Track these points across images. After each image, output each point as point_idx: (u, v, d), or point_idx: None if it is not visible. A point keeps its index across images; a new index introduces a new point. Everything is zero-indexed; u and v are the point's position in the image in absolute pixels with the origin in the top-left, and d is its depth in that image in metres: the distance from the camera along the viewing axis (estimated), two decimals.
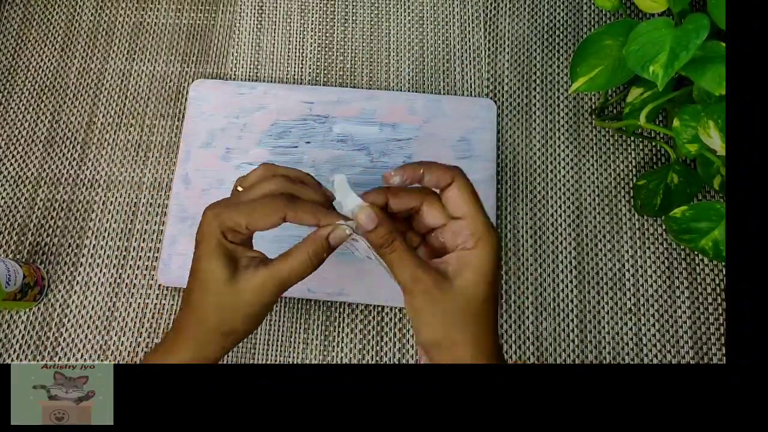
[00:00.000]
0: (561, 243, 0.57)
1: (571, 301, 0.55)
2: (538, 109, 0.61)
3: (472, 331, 0.33)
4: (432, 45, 0.64)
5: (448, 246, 0.35)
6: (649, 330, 0.55)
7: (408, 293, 0.33)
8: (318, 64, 0.63)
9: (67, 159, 0.60)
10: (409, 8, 0.65)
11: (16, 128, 0.61)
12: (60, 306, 0.55)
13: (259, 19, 0.65)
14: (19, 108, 0.62)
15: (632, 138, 0.60)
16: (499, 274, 0.34)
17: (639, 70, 0.43)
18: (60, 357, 0.54)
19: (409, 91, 0.62)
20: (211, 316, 0.34)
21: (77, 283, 0.56)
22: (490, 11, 0.65)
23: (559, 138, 0.60)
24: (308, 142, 0.58)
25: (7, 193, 0.59)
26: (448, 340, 0.33)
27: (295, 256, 0.34)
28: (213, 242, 0.34)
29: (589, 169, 0.59)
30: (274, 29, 0.65)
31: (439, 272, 0.33)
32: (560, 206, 0.58)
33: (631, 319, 0.55)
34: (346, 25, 0.65)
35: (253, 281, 0.34)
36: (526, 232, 0.57)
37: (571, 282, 0.56)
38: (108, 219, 0.58)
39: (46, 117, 0.61)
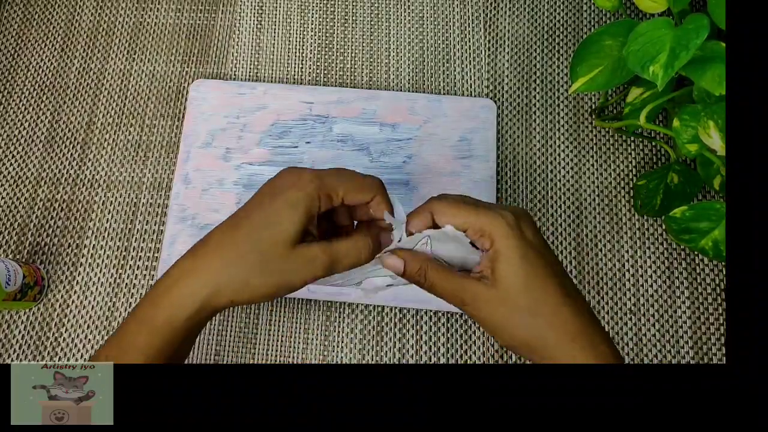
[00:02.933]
0: (561, 243, 0.57)
1: None
2: (538, 109, 0.61)
3: (546, 314, 0.31)
4: (432, 45, 0.64)
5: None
6: (649, 330, 0.55)
7: (465, 307, 0.33)
8: (318, 64, 0.63)
9: (67, 159, 0.60)
10: (409, 8, 0.65)
11: (16, 128, 0.61)
12: (60, 306, 0.55)
13: (259, 19, 0.65)
14: (19, 108, 0.62)
15: (632, 138, 0.60)
16: (538, 245, 0.33)
17: (639, 70, 0.43)
18: (60, 357, 0.54)
19: (409, 91, 0.62)
20: (253, 259, 0.32)
21: (77, 283, 0.56)
22: (490, 11, 0.65)
23: (559, 138, 0.60)
24: (308, 142, 0.58)
25: (7, 193, 0.59)
26: (534, 339, 0.31)
27: (355, 238, 0.34)
28: (305, 200, 0.33)
29: (589, 169, 0.59)
30: (274, 29, 0.65)
31: (482, 278, 0.33)
32: (560, 206, 0.58)
33: (631, 319, 0.55)
34: (346, 25, 0.65)
35: (307, 251, 0.33)
36: None
37: None
38: (108, 219, 0.58)
39: (46, 117, 0.61)
